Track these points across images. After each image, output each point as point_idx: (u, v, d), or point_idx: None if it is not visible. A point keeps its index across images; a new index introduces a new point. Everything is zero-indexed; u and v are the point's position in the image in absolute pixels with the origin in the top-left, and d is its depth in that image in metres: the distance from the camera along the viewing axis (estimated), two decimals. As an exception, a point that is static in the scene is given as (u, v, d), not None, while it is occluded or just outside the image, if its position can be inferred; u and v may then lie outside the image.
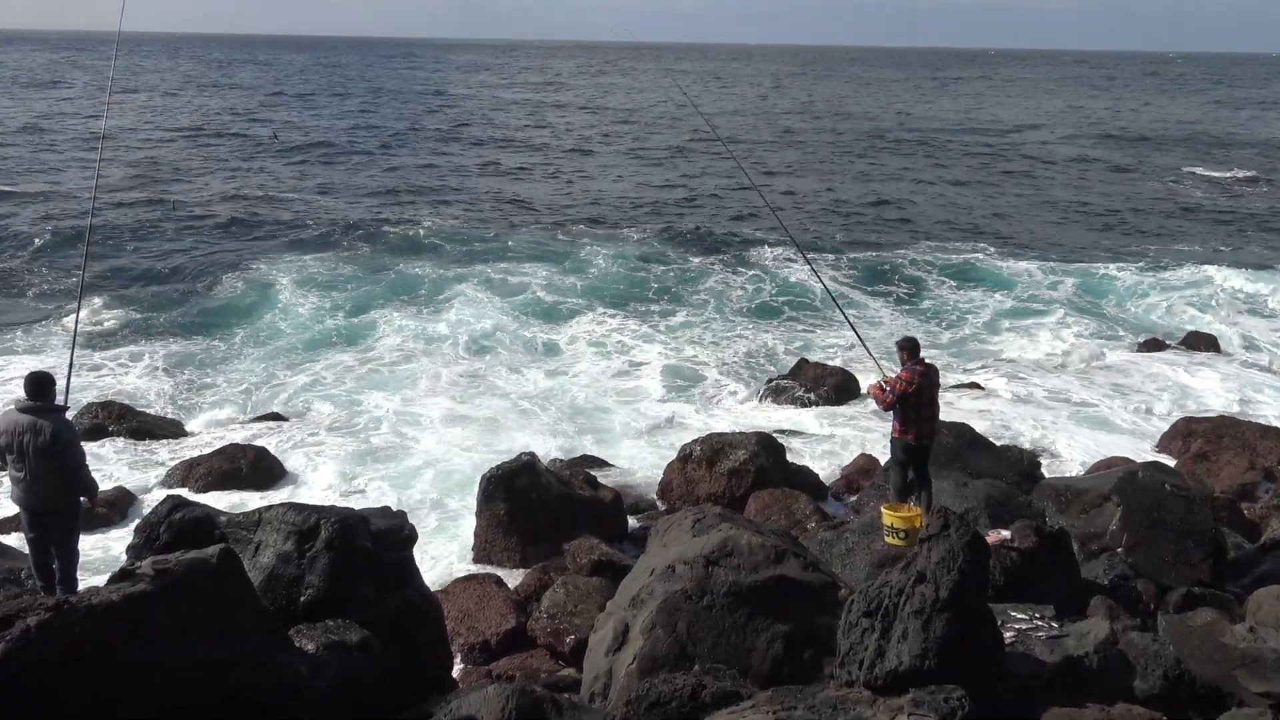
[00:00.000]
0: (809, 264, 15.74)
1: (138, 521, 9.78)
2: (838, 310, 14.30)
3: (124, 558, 9.06)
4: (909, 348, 10.68)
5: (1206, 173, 51.35)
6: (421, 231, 33.52)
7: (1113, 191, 45.04)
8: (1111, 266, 29.74)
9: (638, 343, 22.78)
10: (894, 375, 10.77)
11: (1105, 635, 7.25)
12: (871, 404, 12.01)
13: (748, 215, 37.25)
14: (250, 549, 8.72)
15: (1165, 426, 17.42)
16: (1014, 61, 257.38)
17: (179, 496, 9.80)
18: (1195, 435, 16.40)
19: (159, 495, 14.38)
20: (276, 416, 18.31)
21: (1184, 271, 29.58)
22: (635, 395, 19.76)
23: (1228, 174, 51.05)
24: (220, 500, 13.53)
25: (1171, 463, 14.85)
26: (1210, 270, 29.52)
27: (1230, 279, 28.72)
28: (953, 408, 17.12)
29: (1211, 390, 19.92)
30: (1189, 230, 37.40)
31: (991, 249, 32.61)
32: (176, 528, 8.99)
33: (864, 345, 12.60)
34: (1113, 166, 52.54)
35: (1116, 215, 38.85)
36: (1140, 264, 30.31)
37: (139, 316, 23.89)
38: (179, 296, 25.69)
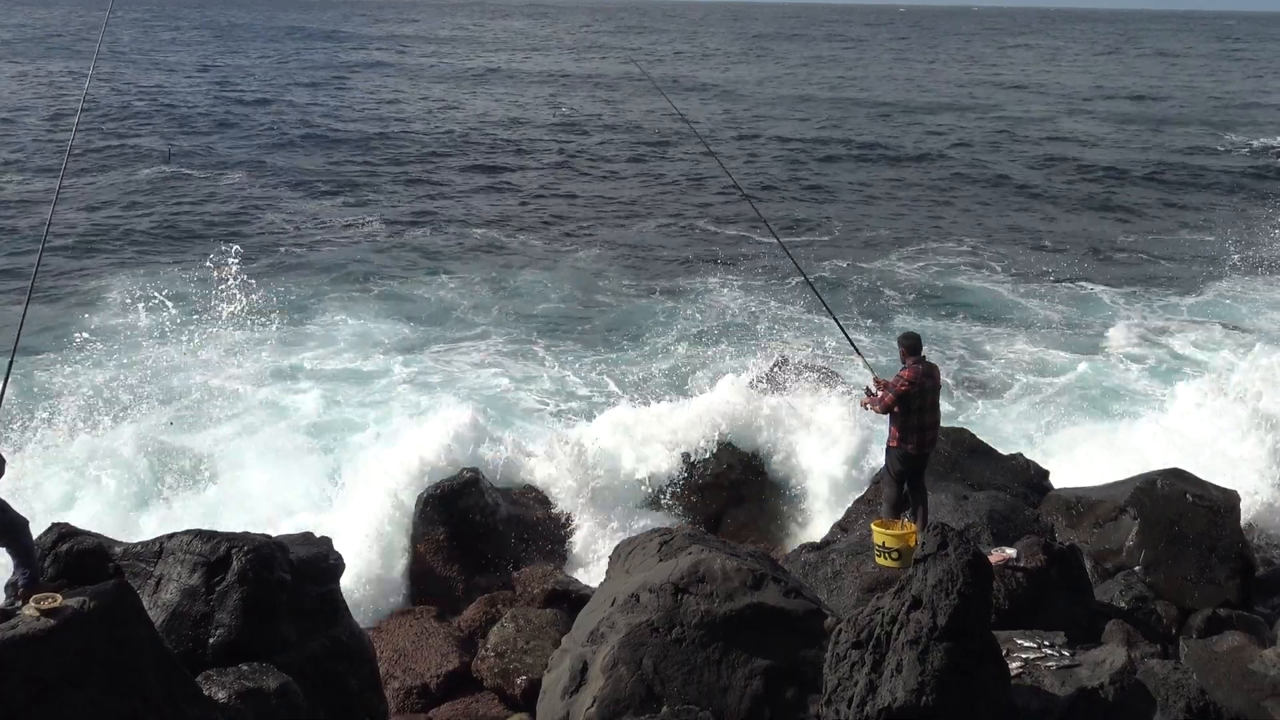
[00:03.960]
0: (789, 255, 15.87)
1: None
2: (819, 314, 14.35)
3: (1, 596, 8.92)
4: (909, 344, 10.71)
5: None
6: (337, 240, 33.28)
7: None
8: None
9: (586, 349, 22.87)
10: (886, 379, 10.83)
11: (1122, 664, 7.36)
12: (862, 409, 12.06)
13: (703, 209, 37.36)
14: (151, 583, 8.63)
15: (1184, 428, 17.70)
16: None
17: (66, 524, 9.66)
18: (1219, 439, 16.68)
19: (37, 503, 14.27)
20: (179, 432, 18.14)
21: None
22: (592, 403, 19.76)
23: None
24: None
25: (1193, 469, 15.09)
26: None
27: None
28: (950, 411, 17.27)
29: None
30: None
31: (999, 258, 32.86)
32: (64, 560, 8.86)
33: (850, 340, 12.66)
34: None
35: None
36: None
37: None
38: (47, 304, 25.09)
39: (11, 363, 8.52)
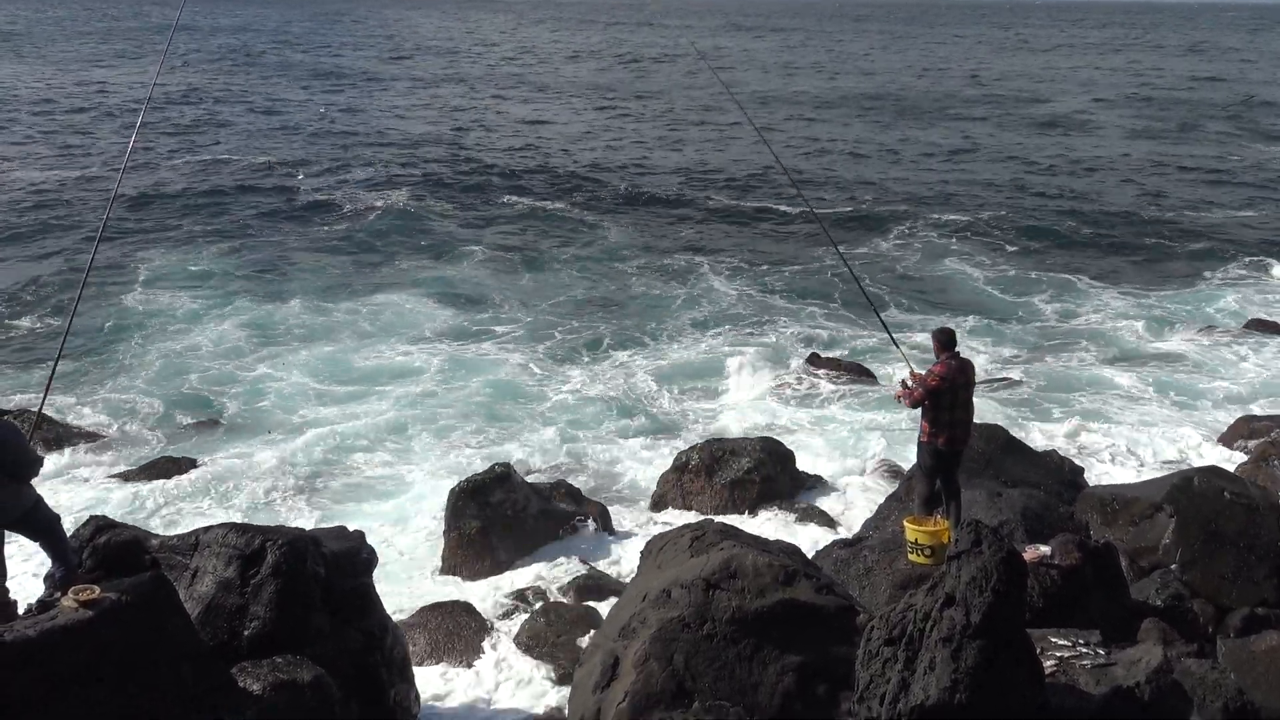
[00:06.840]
0: (835, 247, 15.82)
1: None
2: (855, 306, 14.33)
3: (41, 586, 9.04)
4: (943, 339, 10.65)
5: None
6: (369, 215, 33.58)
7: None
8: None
9: (616, 339, 22.91)
10: (921, 372, 10.77)
11: (1158, 663, 7.29)
12: (895, 402, 12.03)
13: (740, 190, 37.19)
14: (186, 576, 8.70)
15: (1223, 425, 17.53)
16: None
17: (104, 517, 9.78)
18: (1258, 435, 16.49)
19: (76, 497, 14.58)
20: (214, 422, 18.33)
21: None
22: (624, 397, 19.78)
23: None
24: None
25: (1231, 467, 14.94)
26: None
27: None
28: (984, 407, 17.18)
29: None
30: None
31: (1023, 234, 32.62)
32: (101, 553, 8.96)
33: (889, 332, 12.62)
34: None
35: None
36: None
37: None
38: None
39: (56, 362, 8.66)
